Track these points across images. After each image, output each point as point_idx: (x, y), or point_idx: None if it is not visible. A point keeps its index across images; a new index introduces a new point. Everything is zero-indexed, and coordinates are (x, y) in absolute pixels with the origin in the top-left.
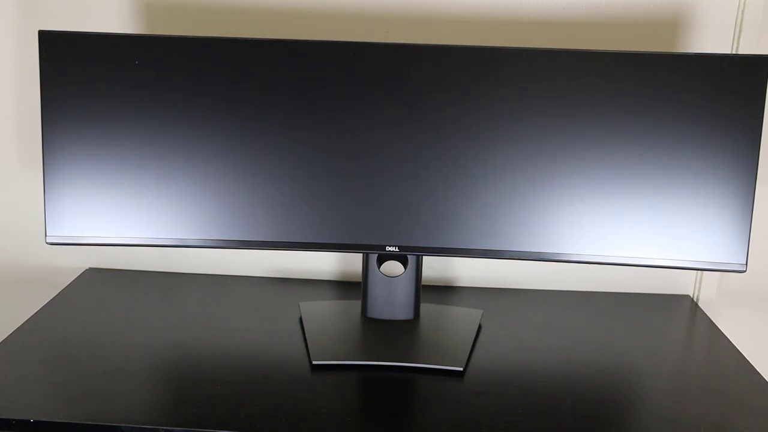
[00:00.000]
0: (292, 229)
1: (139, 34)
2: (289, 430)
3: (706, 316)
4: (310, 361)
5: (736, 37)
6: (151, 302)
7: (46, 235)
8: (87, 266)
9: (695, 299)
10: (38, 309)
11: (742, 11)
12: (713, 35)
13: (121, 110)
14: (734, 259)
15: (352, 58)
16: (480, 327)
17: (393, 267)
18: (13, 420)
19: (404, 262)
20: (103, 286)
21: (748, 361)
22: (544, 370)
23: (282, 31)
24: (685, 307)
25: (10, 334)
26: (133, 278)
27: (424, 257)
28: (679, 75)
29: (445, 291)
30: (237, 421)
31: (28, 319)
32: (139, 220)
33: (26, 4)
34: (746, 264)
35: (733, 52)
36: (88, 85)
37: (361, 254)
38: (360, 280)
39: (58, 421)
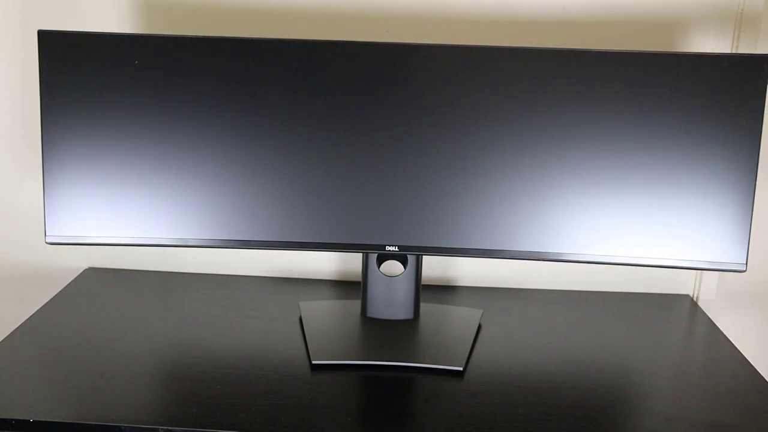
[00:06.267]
0: (292, 229)
1: (139, 34)
2: (289, 430)
3: (706, 316)
4: (310, 361)
5: (736, 37)
6: (151, 302)
7: (46, 235)
8: (87, 266)
9: (695, 299)
10: (38, 309)
11: (742, 11)
12: (713, 35)
13: (120, 110)
14: (734, 259)
15: (352, 58)
16: (480, 327)
17: (393, 267)
18: (13, 420)
19: (404, 261)
20: (103, 286)
21: (748, 361)
22: (544, 370)
23: (282, 31)
24: (685, 307)
25: (10, 334)
26: (133, 278)
27: (424, 257)
28: (679, 75)
29: (445, 291)
30: (237, 421)
31: (28, 319)
32: (139, 220)
33: (26, 4)
34: (746, 264)
35: (733, 52)
36: (88, 85)
37: (361, 254)
38: (360, 279)
39: (58, 420)
